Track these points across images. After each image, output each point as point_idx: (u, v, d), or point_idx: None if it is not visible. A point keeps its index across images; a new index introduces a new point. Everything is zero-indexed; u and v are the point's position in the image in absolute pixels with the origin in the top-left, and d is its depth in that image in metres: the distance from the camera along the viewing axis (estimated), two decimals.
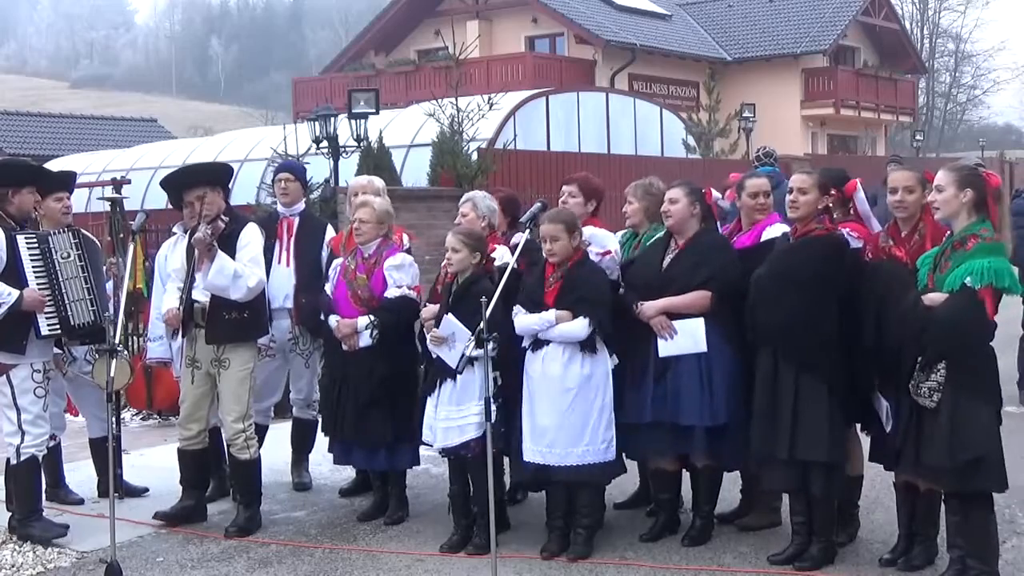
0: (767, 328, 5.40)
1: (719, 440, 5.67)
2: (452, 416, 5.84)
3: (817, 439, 5.29)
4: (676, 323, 5.68)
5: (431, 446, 6.09)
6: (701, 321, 5.65)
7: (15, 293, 5.99)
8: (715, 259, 5.70)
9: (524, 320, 5.74)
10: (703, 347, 5.64)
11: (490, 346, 5.31)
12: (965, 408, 4.84)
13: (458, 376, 5.77)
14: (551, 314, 5.67)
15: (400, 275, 6.34)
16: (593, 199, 6.26)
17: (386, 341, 6.26)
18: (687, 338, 5.66)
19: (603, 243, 6.05)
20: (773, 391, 5.39)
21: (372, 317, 6.27)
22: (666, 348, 5.69)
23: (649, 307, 5.71)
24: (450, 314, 5.78)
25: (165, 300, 6.55)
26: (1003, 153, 37.60)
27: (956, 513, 5.05)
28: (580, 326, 5.63)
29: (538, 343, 5.74)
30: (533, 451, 5.72)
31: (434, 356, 5.96)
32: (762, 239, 5.84)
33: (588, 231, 6.04)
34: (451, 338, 5.75)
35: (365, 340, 6.29)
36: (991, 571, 5.00)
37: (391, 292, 6.31)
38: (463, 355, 5.45)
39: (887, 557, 5.47)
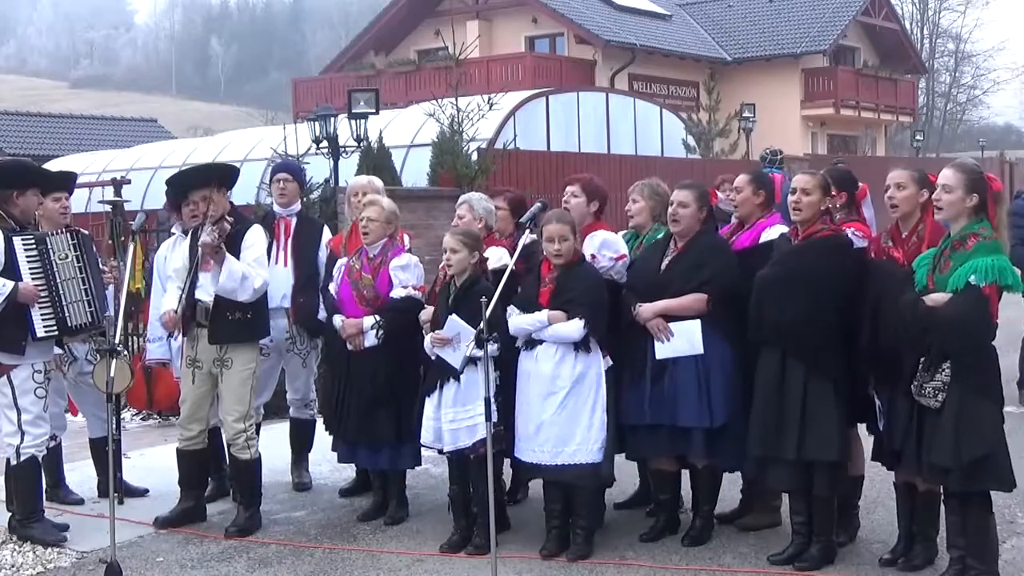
0: (775, 328, 5.37)
1: (717, 441, 5.67)
2: (460, 417, 5.82)
3: (828, 439, 5.29)
4: (673, 325, 5.67)
5: (430, 448, 6.08)
6: (698, 323, 5.65)
7: (10, 284, 6.01)
8: (713, 261, 5.69)
9: (517, 320, 5.76)
10: (700, 349, 5.64)
11: (494, 346, 5.36)
12: (970, 407, 4.82)
13: (462, 377, 5.76)
14: (543, 314, 5.68)
15: (406, 275, 6.36)
16: (596, 200, 6.21)
17: (391, 341, 6.27)
18: (683, 340, 5.66)
19: (616, 248, 6.04)
20: (779, 391, 5.37)
21: (377, 317, 6.28)
22: (663, 350, 5.69)
23: (646, 309, 5.71)
24: (454, 315, 5.77)
25: (164, 301, 6.54)
26: (1003, 153, 37.61)
27: (956, 513, 5.05)
28: (575, 327, 5.63)
29: (532, 342, 5.76)
30: (526, 449, 5.75)
31: (433, 357, 5.94)
32: (761, 240, 5.84)
33: (600, 236, 6.04)
34: (455, 339, 5.73)
35: (371, 340, 6.31)
36: (991, 571, 5.00)
37: (396, 292, 6.33)
38: (465, 355, 5.44)
39: (887, 557, 5.47)
